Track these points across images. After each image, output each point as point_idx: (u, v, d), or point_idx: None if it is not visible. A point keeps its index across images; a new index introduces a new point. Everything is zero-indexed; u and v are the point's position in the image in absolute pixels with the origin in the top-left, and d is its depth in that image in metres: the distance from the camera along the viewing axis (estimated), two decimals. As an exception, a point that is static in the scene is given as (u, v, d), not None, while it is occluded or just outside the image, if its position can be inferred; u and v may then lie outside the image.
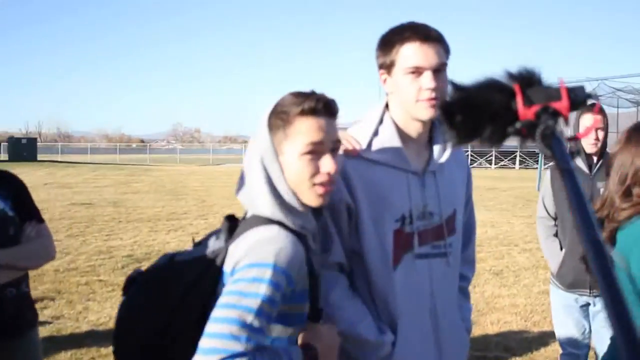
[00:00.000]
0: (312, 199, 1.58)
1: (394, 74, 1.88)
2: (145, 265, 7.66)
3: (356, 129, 1.99)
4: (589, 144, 3.62)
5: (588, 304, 3.74)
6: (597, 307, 3.70)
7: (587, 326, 3.77)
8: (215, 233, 1.66)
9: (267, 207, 1.55)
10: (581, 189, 0.78)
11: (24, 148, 42.02)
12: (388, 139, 1.93)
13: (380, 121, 1.95)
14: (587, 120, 3.62)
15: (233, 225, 1.64)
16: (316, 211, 1.66)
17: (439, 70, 1.83)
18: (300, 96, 1.57)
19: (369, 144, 1.93)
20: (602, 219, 2.18)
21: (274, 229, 1.52)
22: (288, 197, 1.55)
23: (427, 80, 1.80)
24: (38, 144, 47.15)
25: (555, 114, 0.86)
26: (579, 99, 0.88)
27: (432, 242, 1.96)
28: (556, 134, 0.84)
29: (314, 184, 1.57)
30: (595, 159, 3.69)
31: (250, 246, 1.47)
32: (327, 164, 1.57)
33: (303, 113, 1.54)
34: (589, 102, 0.95)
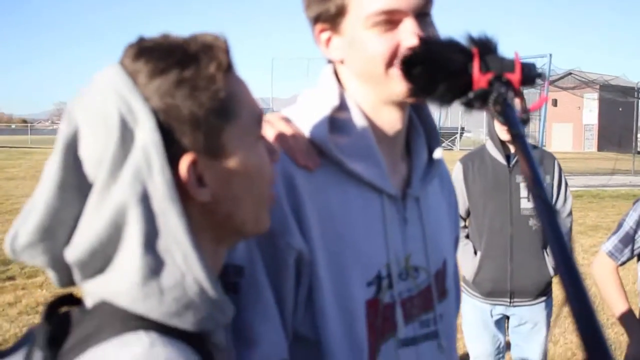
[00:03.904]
0: (266, 219, 0.94)
1: (345, 29, 1.11)
2: (12, 270, 6.73)
3: (299, 113, 1.17)
4: (505, 131, 3.24)
5: (503, 316, 3.45)
6: (516, 320, 3.42)
7: (502, 340, 3.49)
8: (26, 343, 0.84)
9: (138, 296, 0.77)
10: (532, 153, 0.80)
11: None
12: (355, 133, 1.15)
13: (340, 105, 1.16)
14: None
15: (59, 326, 0.81)
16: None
17: (424, 16, 1.09)
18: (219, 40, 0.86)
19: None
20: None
21: (144, 342, 0.75)
22: (201, 273, 0.80)
23: (410, 31, 1.05)
24: None
25: (507, 85, 0.89)
26: (531, 75, 0.92)
27: (419, 315, 1.21)
28: (508, 101, 0.88)
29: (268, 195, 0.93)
30: (513, 149, 3.32)
31: None
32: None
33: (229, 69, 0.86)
34: (538, 80, 0.96)
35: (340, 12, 1.09)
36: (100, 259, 0.79)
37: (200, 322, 0.81)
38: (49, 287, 6.51)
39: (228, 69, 0.85)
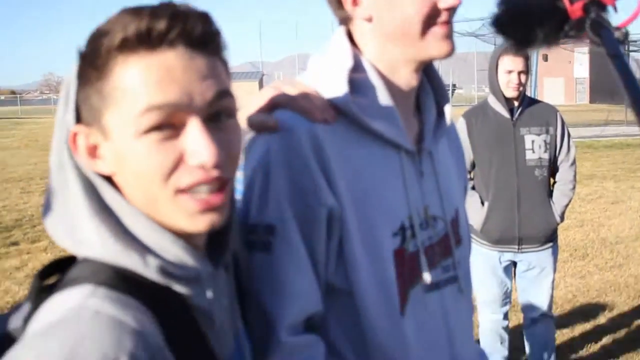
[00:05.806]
0: (183, 217, 0.80)
1: None
2: (16, 235, 6.77)
3: (314, 78, 1.20)
4: (509, 88, 3.33)
5: (510, 262, 3.54)
6: (524, 265, 3.51)
7: (510, 286, 3.58)
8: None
9: (96, 240, 0.79)
10: (632, 71, 0.78)
11: None
12: (372, 93, 1.17)
13: (355, 66, 1.17)
14: (507, 63, 3.31)
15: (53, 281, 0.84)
16: (215, 242, 0.92)
17: None
18: (132, 13, 0.77)
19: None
20: None
21: (83, 292, 0.76)
22: (131, 214, 0.82)
23: None
24: None
25: (601, 5, 0.88)
26: None
27: (440, 261, 1.26)
28: (604, 23, 0.86)
29: (179, 190, 0.79)
30: (516, 103, 3.41)
31: (27, 341, 0.72)
32: (198, 144, 0.78)
33: (127, 47, 0.77)
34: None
35: None
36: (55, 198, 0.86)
37: (162, 265, 0.81)
38: (53, 250, 6.57)
39: (130, 48, 0.77)
